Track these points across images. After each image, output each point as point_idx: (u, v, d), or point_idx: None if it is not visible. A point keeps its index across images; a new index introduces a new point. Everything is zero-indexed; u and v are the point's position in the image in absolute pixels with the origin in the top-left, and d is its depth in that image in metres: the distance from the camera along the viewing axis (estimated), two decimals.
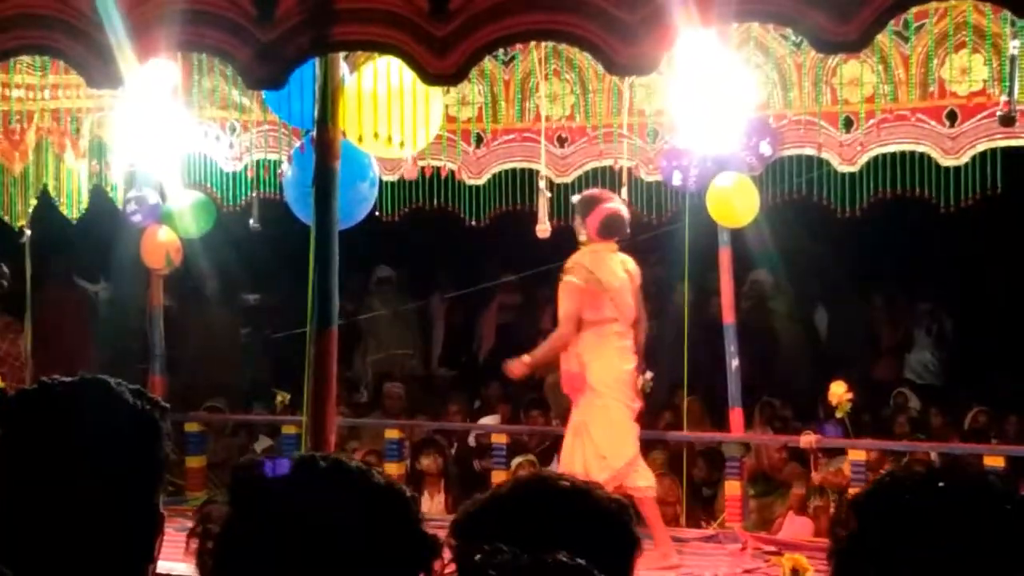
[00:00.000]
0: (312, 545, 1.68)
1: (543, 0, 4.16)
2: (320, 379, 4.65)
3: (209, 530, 1.74)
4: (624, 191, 7.85)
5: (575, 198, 7.75)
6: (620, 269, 7.66)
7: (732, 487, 8.54)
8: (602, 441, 7.46)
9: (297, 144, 8.05)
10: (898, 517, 1.72)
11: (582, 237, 7.61)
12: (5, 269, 8.78)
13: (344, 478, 1.74)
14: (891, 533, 1.72)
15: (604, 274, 7.53)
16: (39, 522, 1.99)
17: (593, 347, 7.50)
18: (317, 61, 4.62)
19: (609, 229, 7.56)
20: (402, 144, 5.19)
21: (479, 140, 8.79)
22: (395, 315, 12.74)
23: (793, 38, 7.64)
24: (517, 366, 7.82)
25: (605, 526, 2.02)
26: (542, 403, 10.94)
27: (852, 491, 7.57)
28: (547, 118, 8.36)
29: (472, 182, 8.73)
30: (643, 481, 7.50)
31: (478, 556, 1.54)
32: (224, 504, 1.76)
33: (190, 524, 1.82)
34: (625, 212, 7.65)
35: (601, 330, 7.53)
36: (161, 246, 8.90)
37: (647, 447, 8.30)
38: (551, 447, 9.50)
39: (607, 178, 8.37)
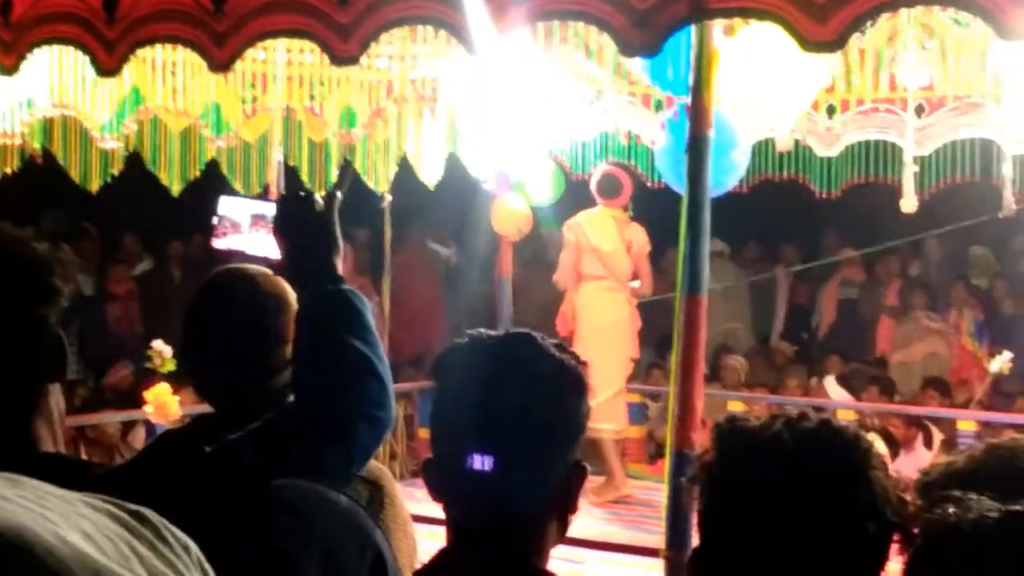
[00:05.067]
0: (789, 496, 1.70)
1: None
2: (689, 346, 4.65)
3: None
4: (1006, 167, 7.53)
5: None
6: (615, 234, 8.61)
7: None
8: None
9: (654, 113, 8.11)
10: None
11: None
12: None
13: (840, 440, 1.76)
14: None
15: (595, 236, 8.60)
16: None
17: (584, 297, 8.57)
18: (693, 28, 4.60)
19: (602, 188, 8.64)
20: (776, 114, 5.12)
21: (831, 110, 8.55)
22: (726, 289, 12.62)
23: None
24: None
25: None
26: (882, 381, 10.68)
27: None
28: (904, 88, 8.07)
29: (824, 153, 8.52)
30: (606, 424, 8.27)
31: (951, 510, 1.51)
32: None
33: None
34: (621, 175, 8.63)
35: (594, 284, 8.55)
36: (512, 214, 9.08)
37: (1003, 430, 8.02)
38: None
39: (968, 151, 8.07)
